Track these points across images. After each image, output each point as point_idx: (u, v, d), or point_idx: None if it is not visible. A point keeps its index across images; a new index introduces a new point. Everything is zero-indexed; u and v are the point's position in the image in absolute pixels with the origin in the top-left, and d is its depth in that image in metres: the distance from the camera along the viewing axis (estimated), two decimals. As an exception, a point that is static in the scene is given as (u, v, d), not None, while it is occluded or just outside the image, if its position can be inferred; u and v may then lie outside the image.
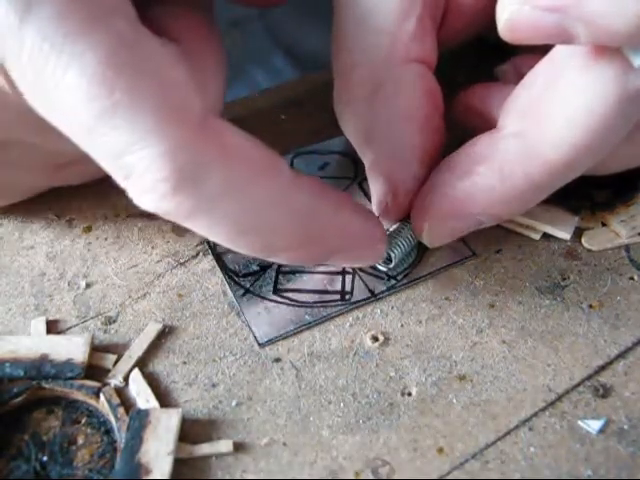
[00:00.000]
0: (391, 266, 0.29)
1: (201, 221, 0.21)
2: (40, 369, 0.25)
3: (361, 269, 0.30)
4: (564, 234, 0.31)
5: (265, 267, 0.30)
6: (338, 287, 0.29)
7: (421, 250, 0.30)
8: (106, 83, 0.19)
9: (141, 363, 0.26)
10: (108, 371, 0.26)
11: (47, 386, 0.25)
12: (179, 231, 0.32)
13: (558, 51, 0.26)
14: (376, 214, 0.29)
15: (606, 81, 0.23)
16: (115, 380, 0.26)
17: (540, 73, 0.26)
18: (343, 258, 0.25)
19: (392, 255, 0.28)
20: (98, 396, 0.25)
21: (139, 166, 0.20)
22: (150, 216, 0.32)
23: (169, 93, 0.20)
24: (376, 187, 0.29)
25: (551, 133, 0.25)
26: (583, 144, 0.24)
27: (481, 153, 0.26)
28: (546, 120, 0.25)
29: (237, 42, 0.55)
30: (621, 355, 0.27)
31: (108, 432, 0.25)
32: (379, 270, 0.30)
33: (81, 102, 0.19)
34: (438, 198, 0.27)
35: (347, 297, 0.29)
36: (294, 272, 0.30)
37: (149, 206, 0.21)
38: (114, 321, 0.28)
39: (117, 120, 0.19)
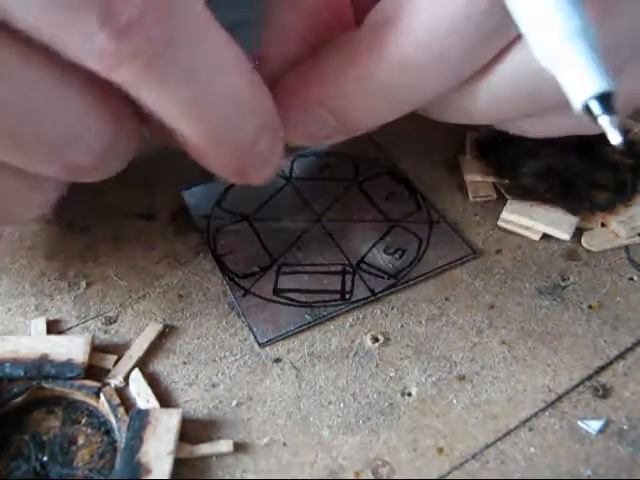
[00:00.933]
0: None
1: (160, 68, 0.20)
2: (40, 369, 0.25)
3: (362, 269, 0.30)
4: (564, 235, 0.31)
5: (265, 268, 0.30)
6: (338, 287, 0.29)
7: (421, 250, 0.31)
8: None
9: (141, 363, 0.26)
10: (108, 371, 0.26)
11: (47, 386, 0.25)
12: (179, 231, 0.32)
13: None
14: None
15: None
16: (115, 380, 0.26)
17: None
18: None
19: None
20: (98, 396, 0.25)
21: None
22: (150, 217, 0.32)
23: None
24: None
25: (399, 29, 0.23)
26: (425, 43, 0.23)
27: (337, 43, 0.25)
28: (397, 17, 0.23)
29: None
30: (621, 355, 0.27)
31: (108, 432, 0.25)
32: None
33: None
34: (283, 86, 0.26)
35: (347, 297, 0.29)
36: (294, 272, 0.30)
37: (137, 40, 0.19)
38: (114, 321, 0.28)
39: None
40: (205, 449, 0.24)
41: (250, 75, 0.23)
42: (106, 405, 0.25)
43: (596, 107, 0.20)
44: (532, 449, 0.24)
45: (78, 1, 0.19)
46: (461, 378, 0.26)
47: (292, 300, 0.29)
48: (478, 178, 0.33)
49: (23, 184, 0.24)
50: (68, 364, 0.25)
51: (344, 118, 0.26)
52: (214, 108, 0.22)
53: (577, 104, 0.21)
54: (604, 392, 0.26)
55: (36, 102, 0.21)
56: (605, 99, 0.20)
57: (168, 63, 0.20)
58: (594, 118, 0.21)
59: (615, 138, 0.21)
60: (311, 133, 0.27)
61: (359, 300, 0.29)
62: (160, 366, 0.27)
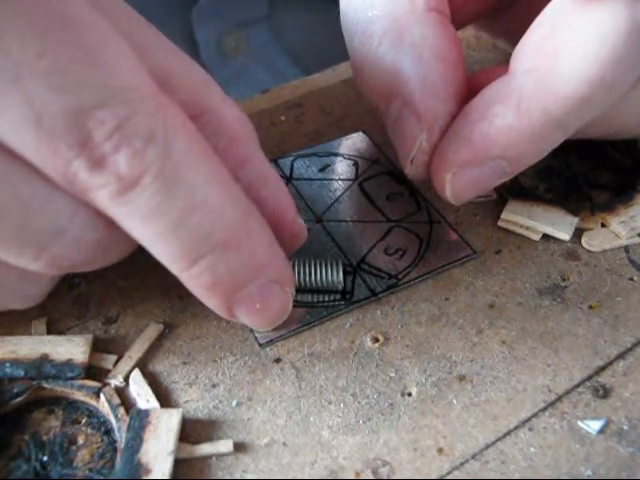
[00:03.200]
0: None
1: (159, 193, 0.21)
2: (40, 369, 0.25)
3: (362, 269, 0.30)
4: (564, 235, 0.31)
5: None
6: (338, 287, 0.29)
7: (421, 250, 0.31)
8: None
9: (141, 363, 0.26)
10: (108, 371, 0.26)
11: (47, 386, 0.25)
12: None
13: None
14: (407, 162, 0.29)
15: (616, 11, 0.24)
16: (115, 380, 0.26)
17: (547, 15, 0.26)
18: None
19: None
20: (98, 396, 0.25)
21: (109, 123, 0.19)
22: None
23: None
24: (408, 130, 0.28)
25: (564, 66, 0.24)
26: (596, 75, 0.24)
27: (496, 94, 0.26)
28: (558, 54, 0.25)
29: (242, 43, 0.56)
30: (621, 356, 0.27)
31: (108, 432, 0.25)
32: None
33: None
34: (456, 145, 0.26)
35: (347, 297, 0.29)
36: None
37: (110, 172, 0.20)
38: (114, 321, 0.28)
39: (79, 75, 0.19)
40: (205, 449, 0.24)
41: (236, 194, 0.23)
42: (106, 405, 0.25)
43: None
44: (532, 449, 0.24)
45: (57, 129, 0.19)
46: (461, 378, 0.26)
47: (292, 300, 0.29)
48: (478, 178, 0.33)
49: (13, 276, 0.24)
50: (68, 364, 0.25)
51: (518, 164, 0.27)
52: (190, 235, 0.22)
53: None
54: (604, 392, 0.26)
55: (16, 196, 0.21)
56: None
57: (139, 196, 0.21)
58: None
59: None
60: (488, 186, 0.28)
61: (359, 300, 0.29)
62: (160, 366, 0.27)
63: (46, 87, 0.19)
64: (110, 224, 0.22)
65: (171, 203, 0.21)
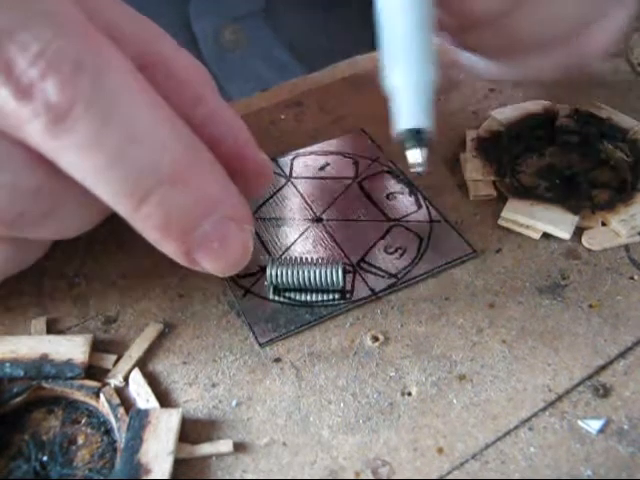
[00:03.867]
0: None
1: (93, 123, 0.20)
2: (40, 369, 0.25)
3: (362, 268, 0.30)
4: (564, 234, 0.31)
5: (265, 267, 0.30)
6: (338, 287, 0.29)
7: (421, 249, 0.31)
8: None
9: (141, 363, 0.26)
10: (108, 371, 0.26)
11: (47, 386, 0.25)
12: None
13: None
14: None
15: None
16: (115, 380, 0.26)
17: None
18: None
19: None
20: (98, 396, 0.25)
21: (33, 46, 0.19)
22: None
23: None
24: None
25: None
26: None
27: None
28: None
29: (241, 37, 0.55)
30: (621, 355, 0.27)
31: (108, 432, 0.25)
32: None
33: None
34: None
35: (347, 296, 0.29)
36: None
37: (38, 101, 0.19)
38: (114, 321, 0.28)
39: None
40: (205, 449, 0.24)
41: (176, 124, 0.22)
42: (106, 405, 0.25)
43: (408, 138, 0.26)
44: (532, 449, 0.24)
45: None
46: (461, 378, 0.26)
47: (292, 300, 0.29)
48: (478, 177, 0.33)
49: None
50: (68, 364, 0.25)
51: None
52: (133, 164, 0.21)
53: (395, 130, 0.26)
54: (604, 392, 0.26)
55: None
56: (417, 132, 0.25)
57: (72, 126, 0.20)
58: (404, 146, 0.26)
59: (415, 167, 0.26)
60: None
61: (359, 299, 0.29)
62: (160, 366, 0.26)
63: None
64: (51, 171, 0.21)
65: (108, 133, 0.20)
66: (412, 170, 0.26)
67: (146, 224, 0.22)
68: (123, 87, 0.20)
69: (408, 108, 0.26)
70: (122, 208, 0.22)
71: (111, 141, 0.20)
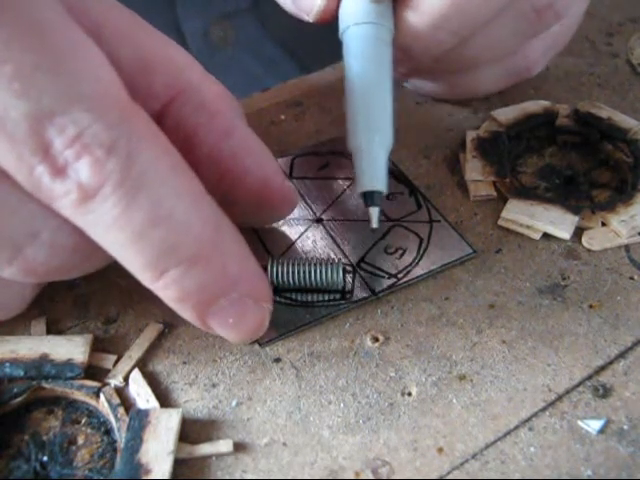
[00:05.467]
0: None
1: (120, 203, 0.21)
2: (40, 369, 0.25)
3: (362, 268, 0.30)
4: (564, 234, 0.31)
5: (265, 267, 0.30)
6: (338, 287, 0.29)
7: (421, 249, 0.31)
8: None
9: (141, 363, 0.26)
10: (108, 371, 0.26)
11: (47, 386, 0.25)
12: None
13: None
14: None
15: None
16: (115, 380, 0.26)
17: None
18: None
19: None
20: (98, 396, 0.25)
21: (70, 130, 0.20)
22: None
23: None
24: None
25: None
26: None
27: None
28: None
29: (230, 34, 0.55)
30: (621, 355, 0.27)
31: (108, 432, 0.25)
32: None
33: None
34: None
35: (347, 296, 0.29)
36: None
37: (71, 180, 0.20)
38: (114, 321, 0.28)
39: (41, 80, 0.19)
40: (205, 449, 0.24)
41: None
42: (106, 405, 0.25)
43: (365, 198, 0.29)
44: (532, 449, 0.24)
45: (20, 134, 0.20)
46: (461, 378, 0.26)
47: (292, 300, 0.29)
48: (478, 177, 0.33)
49: None
50: (68, 364, 0.25)
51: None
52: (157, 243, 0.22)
53: (357, 191, 0.29)
54: (604, 392, 0.26)
55: None
56: (372, 194, 0.28)
57: (100, 206, 0.21)
58: (365, 205, 0.29)
59: (373, 223, 0.29)
60: None
61: (359, 300, 0.29)
62: (160, 366, 0.27)
63: (8, 93, 0.19)
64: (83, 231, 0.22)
65: (133, 214, 0.21)
66: (371, 226, 0.29)
67: (164, 294, 0.23)
68: (154, 167, 0.21)
69: (367, 172, 0.29)
70: (141, 277, 0.23)
71: (135, 222, 0.21)
